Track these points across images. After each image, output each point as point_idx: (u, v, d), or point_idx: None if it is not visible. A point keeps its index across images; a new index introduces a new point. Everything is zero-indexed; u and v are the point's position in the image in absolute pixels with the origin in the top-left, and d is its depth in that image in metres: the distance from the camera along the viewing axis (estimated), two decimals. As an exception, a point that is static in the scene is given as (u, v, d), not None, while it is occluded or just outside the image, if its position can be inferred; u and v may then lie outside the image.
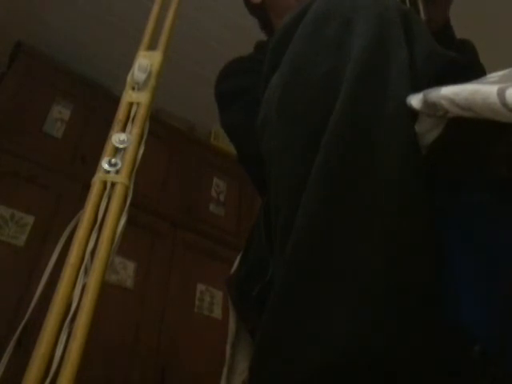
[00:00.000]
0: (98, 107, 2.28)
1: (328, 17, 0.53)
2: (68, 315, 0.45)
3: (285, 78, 0.53)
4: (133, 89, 0.63)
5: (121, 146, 0.57)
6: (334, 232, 0.43)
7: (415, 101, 0.45)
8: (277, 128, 0.52)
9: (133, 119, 0.60)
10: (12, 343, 0.50)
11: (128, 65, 0.65)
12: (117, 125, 0.59)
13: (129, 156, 0.56)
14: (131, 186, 0.55)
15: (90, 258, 0.49)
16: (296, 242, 0.45)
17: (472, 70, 0.72)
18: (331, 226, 0.44)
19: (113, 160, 0.56)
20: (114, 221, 0.51)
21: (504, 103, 0.35)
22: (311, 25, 0.54)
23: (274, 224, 0.52)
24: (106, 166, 0.55)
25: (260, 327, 0.47)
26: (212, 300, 2.16)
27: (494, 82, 0.38)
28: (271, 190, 0.53)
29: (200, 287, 2.16)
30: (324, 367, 0.40)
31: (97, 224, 0.51)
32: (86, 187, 0.55)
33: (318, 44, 0.52)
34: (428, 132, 0.46)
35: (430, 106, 0.43)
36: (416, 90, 0.46)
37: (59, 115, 2.20)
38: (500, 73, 0.42)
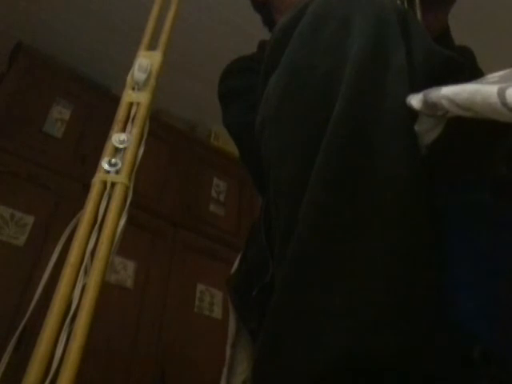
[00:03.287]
0: (97, 107, 2.28)
1: (326, 17, 0.53)
2: (68, 315, 0.45)
3: (283, 78, 0.53)
4: (133, 89, 0.63)
5: (121, 146, 0.57)
6: (334, 233, 0.43)
7: (415, 101, 0.45)
8: (276, 129, 0.52)
9: (133, 119, 0.60)
10: (12, 343, 0.50)
11: (128, 65, 0.65)
12: (117, 125, 0.59)
13: (129, 156, 0.56)
14: (131, 186, 0.55)
15: (90, 258, 0.49)
16: (296, 242, 0.45)
17: (470, 71, 0.72)
18: (331, 226, 0.44)
19: (113, 160, 0.56)
20: (114, 221, 0.51)
21: (504, 103, 0.35)
22: (309, 25, 0.54)
23: (274, 225, 0.52)
24: (106, 166, 0.55)
25: (262, 328, 0.47)
26: (212, 300, 2.16)
27: (494, 82, 0.38)
28: (271, 190, 0.53)
29: (200, 287, 2.16)
30: (325, 368, 0.40)
31: (97, 224, 0.51)
32: (86, 187, 0.55)
33: (317, 44, 0.52)
34: (428, 132, 0.46)
35: (430, 106, 0.43)
36: (415, 89, 0.46)
37: (59, 115, 2.19)
38: (500, 73, 0.42)
